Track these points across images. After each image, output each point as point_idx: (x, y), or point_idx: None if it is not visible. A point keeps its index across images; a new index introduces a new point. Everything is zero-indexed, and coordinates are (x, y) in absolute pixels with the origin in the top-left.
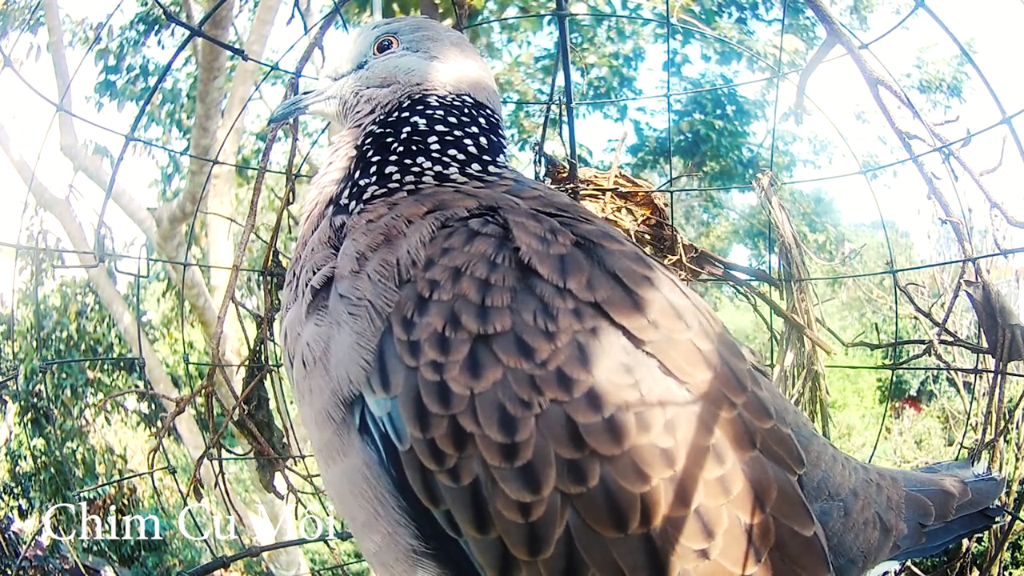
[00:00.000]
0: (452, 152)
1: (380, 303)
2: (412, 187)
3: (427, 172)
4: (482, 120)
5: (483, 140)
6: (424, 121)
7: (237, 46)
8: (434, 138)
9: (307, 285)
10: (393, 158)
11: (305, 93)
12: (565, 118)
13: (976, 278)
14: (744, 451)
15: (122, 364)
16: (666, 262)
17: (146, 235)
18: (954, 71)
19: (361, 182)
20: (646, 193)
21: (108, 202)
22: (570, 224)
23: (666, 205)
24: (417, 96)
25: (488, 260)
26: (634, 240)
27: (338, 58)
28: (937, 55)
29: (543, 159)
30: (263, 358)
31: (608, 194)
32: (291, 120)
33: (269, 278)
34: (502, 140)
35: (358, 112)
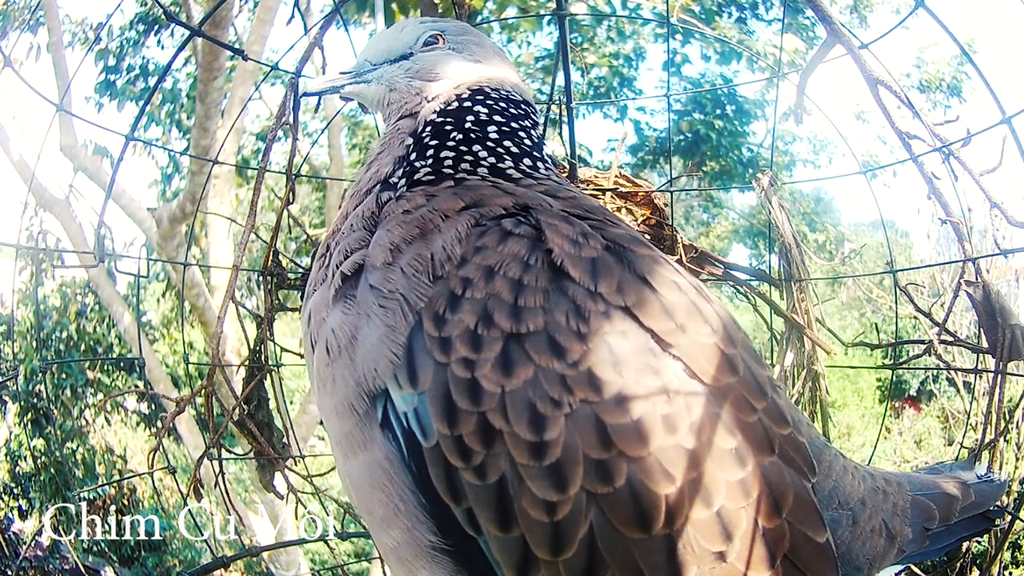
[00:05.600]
0: (507, 144)
1: (413, 297)
2: (464, 175)
3: (483, 163)
4: (529, 120)
5: (535, 133)
6: (485, 111)
7: (237, 46)
8: (493, 128)
9: (337, 268)
10: (451, 144)
11: (343, 73)
12: (565, 118)
13: (976, 278)
14: (763, 455)
15: (122, 364)
16: None
17: (146, 235)
18: (954, 71)
19: (417, 163)
20: (646, 193)
21: (108, 202)
22: (600, 227)
23: (666, 205)
24: (476, 88)
25: (521, 260)
26: None
27: (379, 45)
28: (937, 55)
29: None
30: (263, 358)
31: (608, 194)
32: (291, 120)
33: (269, 278)
34: (541, 140)
35: (406, 102)
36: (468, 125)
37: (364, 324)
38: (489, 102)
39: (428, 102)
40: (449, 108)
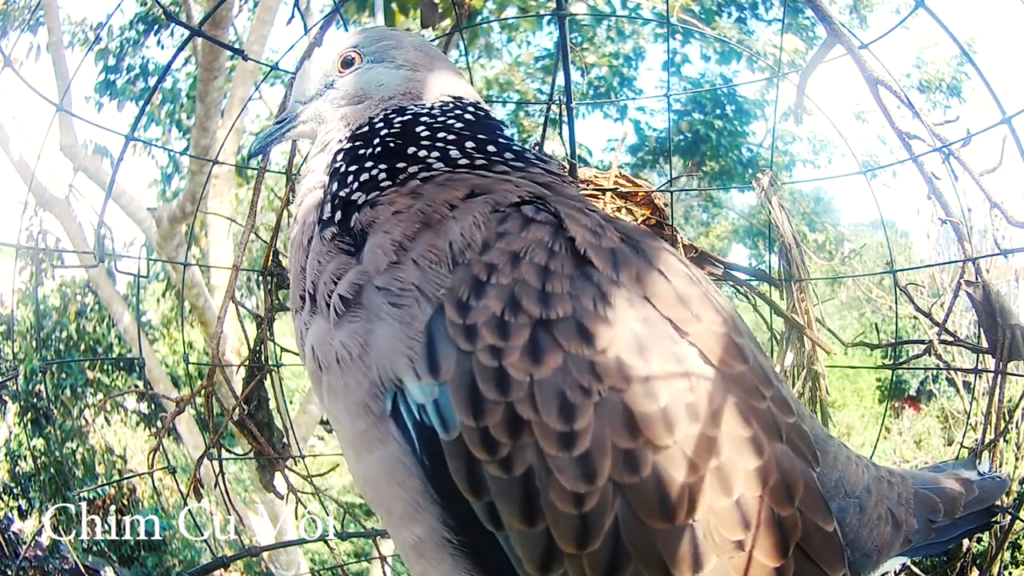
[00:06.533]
0: (442, 135)
1: (430, 288)
2: (425, 176)
3: (430, 159)
4: (469, 115)
5: (478, 129)
6: (407, 118)
7: (237, 46)
8: (422, 128)
9: (330, 295)
10: (369, 164)
11: (278, 122)
12: (565, 118)
13: (976, 278)
14: (774, 443)
15: (122, 364)
16: None
17: (146, 235)
18: (954, 71)
19: (341, 193)
20: (646, 193)
21: (108, 202)
22: (612, 220)
23: (666, 205)
24: (394, 108)
25: (546, 247)
26: None
27: (305, 81)
28: (937, 55)
29: None
30: (263, 358)
31: (608, 194)
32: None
33: (269, 278)
34: (497, 132)
35: (328, 134)
36: (380, 139)
37: (376, 327)
38: (409, 115)
39: (346, 128)
40: (358, 132)
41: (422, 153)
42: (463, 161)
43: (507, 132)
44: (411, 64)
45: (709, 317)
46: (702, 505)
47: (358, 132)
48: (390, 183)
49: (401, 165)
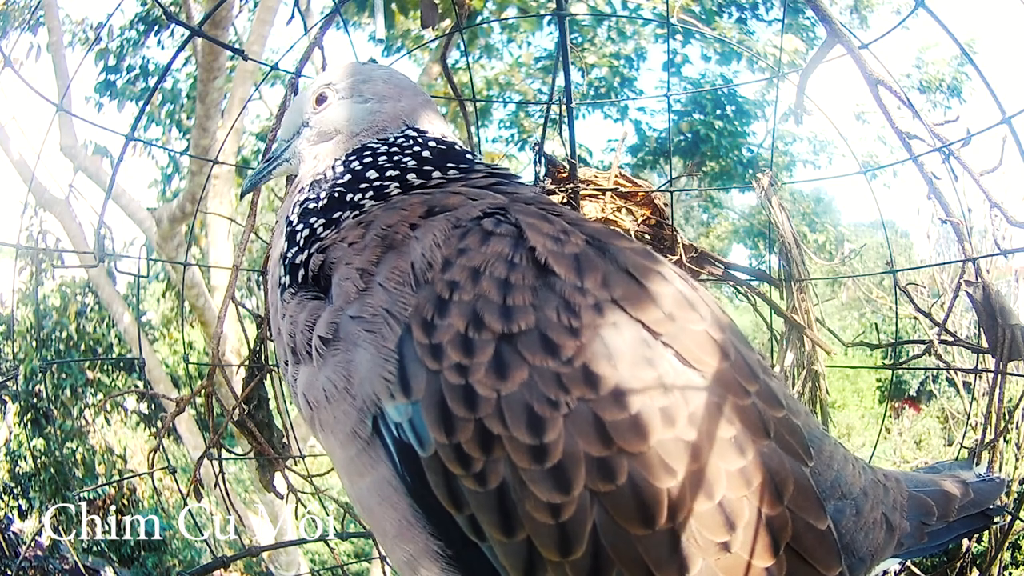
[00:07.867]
0: (390, 172)
1: (397, 309)
2: (356, 214)
3: (364, 200)
4: (428, 151)
5: (425, 153)
6: (367, 159)
7: (237, 46)
8: (373, 170)
9: (309, 344)
10: (312, 219)
11: (266, 161)
12: (565, 118)
13: (976, 278)
14: (760, 440)
15: (122, 364)
16: None
17: (146, 235)
18: (954, 71)
19: (289, 254)
20: (646, 193)
21: (108, 202)
22: (578, 223)
23: (666, 205)
24: (356, 147)
25: (506, 260)
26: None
27: (286, 122)
28: (937, 55)
29: (543, 159)
30: (263, 358)
31: (608, 194)
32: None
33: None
34: (451, 160)
35: (300, 179)
36: (338, 186)
37: (355, 355)
38: (367, 157)
39: (314, 170)
40: (316, 178)
41: (356, 197)
42: (396, 191)
43: (468, 158)
44: (378, 97)
45: (684, 315)
46: (683, 509)
47: (316, 179)
48: (328, 231)
49: (336, 215)
